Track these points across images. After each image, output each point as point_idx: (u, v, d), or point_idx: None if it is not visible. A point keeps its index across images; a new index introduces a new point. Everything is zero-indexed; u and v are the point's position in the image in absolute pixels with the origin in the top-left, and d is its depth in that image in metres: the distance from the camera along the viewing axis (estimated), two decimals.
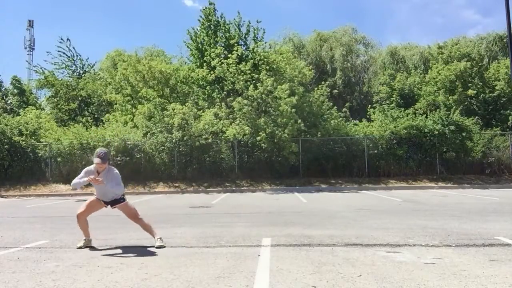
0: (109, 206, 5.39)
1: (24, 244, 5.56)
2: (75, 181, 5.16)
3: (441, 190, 15.83)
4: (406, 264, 4.03)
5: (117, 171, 5.37)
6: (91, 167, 5.31)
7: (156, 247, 5.07)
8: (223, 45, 21.34)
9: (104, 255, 4.75)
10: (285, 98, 17.87)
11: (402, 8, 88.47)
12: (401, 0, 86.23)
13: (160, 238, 5.26)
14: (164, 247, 5.09)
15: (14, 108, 28.83)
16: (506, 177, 18.00)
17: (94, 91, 26.48)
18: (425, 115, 19.73)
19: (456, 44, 27.09)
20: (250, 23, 21.52)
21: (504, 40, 28.44)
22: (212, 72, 20.06)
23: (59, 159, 18.73)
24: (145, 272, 3.91)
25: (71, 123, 22.23)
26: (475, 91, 23.03)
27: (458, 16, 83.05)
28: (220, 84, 20.08)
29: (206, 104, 20.25)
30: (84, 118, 23.21)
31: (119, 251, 4.98)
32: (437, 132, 18.22)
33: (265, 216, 8.30)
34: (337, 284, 3.38)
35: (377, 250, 4.75)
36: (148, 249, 5.06)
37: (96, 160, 5.12)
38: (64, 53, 29.18)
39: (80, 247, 5.11)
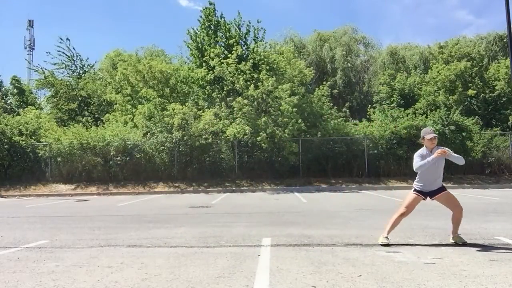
0: (428, 198, 5.18)
1: (24, 244, 5.56)
2: (421, 163, 5.02)
3: None
4: (406, 264, 4.03)
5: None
6: (421, 150, 5.22)
7: (461, 244, 4.93)
8: (223, 44, 21.34)
9: (104, 255, 4.75)
10: (286, 98, 17.86)
11: (395, 9, 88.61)
12: (393, 1, 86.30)
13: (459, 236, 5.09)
14: (466, 243, 4.94)
15: (14, 108, 28.85)
16: (506, 177, 18.00)
17: (94, 91, 26.47)
18: (425, 115, 19.70)
19: (457, 44, 27.07)
20: (250, 23, 21.54)
21: (504, 40, 28.46)
22: (211, 72, 20.07)
23: (59, 159, 18.74)
24: (145, 272, 3.91)
25: (71, 123, 22.24)
26: (475, 91, 23.01)
27: (451, 16, 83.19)
28: (220, 84, 20.08)
29: (206, 104, 20.25)
30: (84, 118, 23.21)
31: (119, 251, 4.98)
32: (437, 132, 18.15)
33: (265, 216, 8.30)
34: (337, 284, 3.38)
35: (377, 250, 4.75)
36: (148, 249, 5.06)
37: (430, 136, 5.13)
38: (64, 53, 29.14)
39: (386, 244, 4.91)
